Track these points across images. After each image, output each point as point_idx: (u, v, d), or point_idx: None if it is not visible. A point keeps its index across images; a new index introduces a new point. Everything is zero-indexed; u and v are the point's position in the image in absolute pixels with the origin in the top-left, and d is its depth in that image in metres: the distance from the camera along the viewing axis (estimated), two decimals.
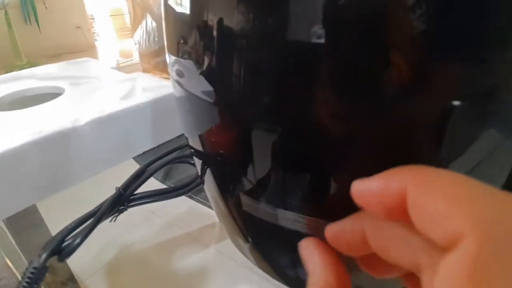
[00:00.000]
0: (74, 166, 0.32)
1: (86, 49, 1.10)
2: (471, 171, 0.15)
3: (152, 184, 0.41)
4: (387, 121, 0.14)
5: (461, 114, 0.13)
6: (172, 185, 0.33)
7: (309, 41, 0.13)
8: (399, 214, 0.10)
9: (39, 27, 1.05)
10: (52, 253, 0.23)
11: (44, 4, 1.06)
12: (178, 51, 0.19)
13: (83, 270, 0.32)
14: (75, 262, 0.31)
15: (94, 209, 0.26)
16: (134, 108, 0.34)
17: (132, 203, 0.29)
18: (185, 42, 0.18)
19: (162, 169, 0.39)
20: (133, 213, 0.36)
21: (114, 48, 0.77)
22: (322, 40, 0.12)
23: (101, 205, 0.26)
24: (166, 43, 0.21)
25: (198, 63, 0.17)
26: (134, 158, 0.44)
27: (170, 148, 0.38)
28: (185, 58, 0.18)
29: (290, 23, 0.13)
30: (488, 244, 0.07)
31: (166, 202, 0.35)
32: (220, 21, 0.15)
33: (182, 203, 0.39)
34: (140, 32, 0.55)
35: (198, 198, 0.40)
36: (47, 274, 0.22)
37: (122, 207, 0.28)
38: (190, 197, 0.40)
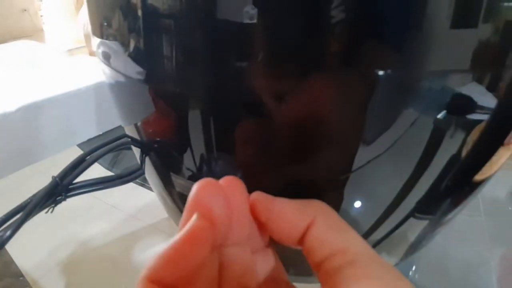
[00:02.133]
0: (8, 155, 0.29)
1: (33, 34, 1.02)
2: (394, 144, 0.15)
3: (100, 172, 0.39)
4: (318, 98, 0.14)
5: (384, 88, 0.14)
6: (119, 172, 0.32)
7: (236, 18, 0.12)
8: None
9: None
10: None
11: None
12: (102, 33, 0.18)
13: (35, 269, 0.30)
14: (26, 259, 0.30)
15: (27, 200, 0.25)
16: (74, 92, 0.32)
17: (72, 193, 0.27)
18: (109, 23, 0.17)
19: (110, 157, 0.38)
20: (91, 208, 0.35)
21: (63, 33, 0.71)
22: (253, 19, 0.12)
23: (33, 196, 0.25)
24: (89, 24, 0.20)
25: (124, 43, 0.16)
26: (80, 146, 0.41)
27: (118, 134, 0.36)
28: (110, 40, 0.17)
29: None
30: None
31: (126, 195, 0.33)
32: None
33: (144, 195, 0.38)
34: (84, 12, 0.51)
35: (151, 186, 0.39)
36: None
37: (60, 197, 0.26)
38: (142, 185, 0.39)
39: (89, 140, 0.36)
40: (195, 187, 0.12)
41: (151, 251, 0.32)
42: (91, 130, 0.35)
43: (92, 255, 0.32)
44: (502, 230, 0.32)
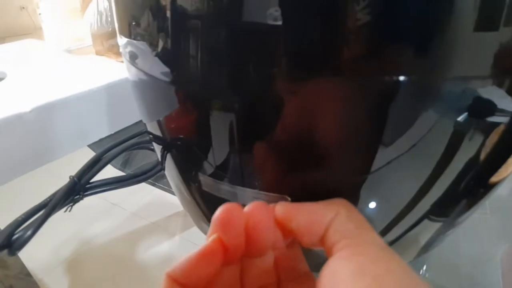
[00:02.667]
0: (22, 155, 0.30)
1: (32, 32, 1.01)
2: (413, 147, 0.16)
3: (111, 172, 0.39)
4: (341, 99, 0.14)
5: (405, 93, 0.14)
6: (131, 172, 0.32)
7: (264, 20, 0.13)
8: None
9: None
10: (1, 247, 0.22)
11: None
12: (130, 32, 0.18)
13: (41, 267, 0.31)
14: (31, 258, 0.30)
15: (46, 199, 0.25)
16: (85, 93, 0.33)
17: (88, 192, 0.27)
18: (137, 23, 0.18)
19: (121, 156, 0.38)
20: (94, 206, 0.35)
21: (62, 30, 0.71)
22: (278, 21, 0.12)
23: (53, 195, 0.25)
24: (116, 24, 0.20)
25: (152, 44, 0.17)
26: (90, 146, 0.42)
27: (128, 134, 0.36)
28: (138, 39, 0.18)
29: (245, 3, 0.13)
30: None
31: (128, 193, 0.34)
32: None
33: (147, 193, 0.38)
34: (91, 12, 0.51)
35: (161, 185, 0.40)
36: None
37: (78, 196, 0.27)
38: (153, 184, 0.40)
39: (100, 140, 0.36)
40: (220, 210, 0.14)
41: (154, 249, 0.32)
42: (102, 130, 0.36)
43: (95, 253, 0.32)
44: (508, 227, 0.33)
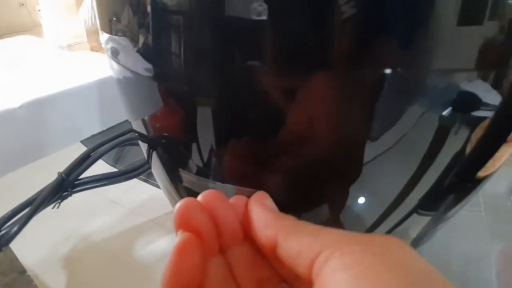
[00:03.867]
0: (12, 151, 0.30)
1: (31, 28, 1.02)
2: (399, 141, 0.15)
3: (103, 168, 0.39)
4: (327, 94, 0.14)
5: (390, 87, 0.14)
6: (123, 169, 0.32)
7: (246, 15, 0.12)
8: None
9: None
10: None
11: None
12: (111, 28, 0.18)
13: (38, 263, 0.31)
14: (28, 255, 0.31)
15: (33, 196, 0.25)
16: (77, 89, 0.32)
17: (77, 188, 0.27)
18: (118, 18, 0.17)
19: (113, 153, 0.38)
20: (92, 203, 0.35)
21: (62, 27, 0.71)
22: (262, 16, 0.12)
23: (40, 191, 0.25)
24: (98, 20, 0.20)
25: (133, 39, 0.17)
26: (83, 142, 0.42)
27: (121, 130, 0.36)
28: (119, 35, 0.18)
29: None
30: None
31: (126, 190, 0.34)
32: None
33: (144, 190, 0.38)
34: (85, 8, 0.51)
35: (155, 182, 0.40)
36: None
37: (66, 192, 0.27)
38: (146, 181, 0.40)
39: (93, 136, 0.36)
40: (175, 209, 0.14)
41: (151, 246, 0.32)
42: (94, 126, 0.35)
43: (93, 250, 0.32)
44: (502, 225, 0.33)
